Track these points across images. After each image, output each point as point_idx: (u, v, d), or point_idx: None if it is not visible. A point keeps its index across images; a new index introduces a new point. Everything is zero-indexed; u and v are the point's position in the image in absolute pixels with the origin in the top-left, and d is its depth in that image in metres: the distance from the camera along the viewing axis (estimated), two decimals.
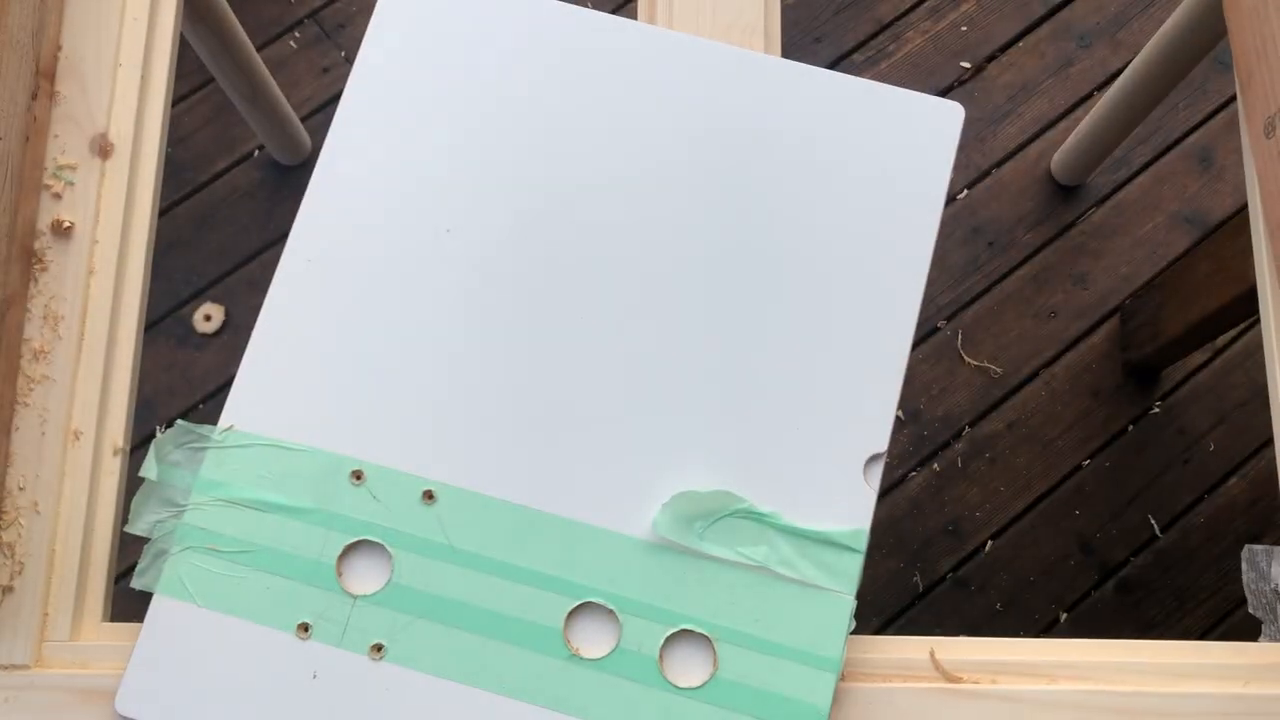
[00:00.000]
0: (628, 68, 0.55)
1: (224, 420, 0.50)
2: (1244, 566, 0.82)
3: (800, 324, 0.52)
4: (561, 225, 0.53)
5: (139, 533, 0.49)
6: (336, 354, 0.51)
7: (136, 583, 0.49)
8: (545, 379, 0.51)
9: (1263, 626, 0.80)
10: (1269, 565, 0.80)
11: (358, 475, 0.49)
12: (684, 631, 0.48)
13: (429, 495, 0.49)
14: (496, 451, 0.49)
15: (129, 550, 0.49)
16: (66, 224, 0.53)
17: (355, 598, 0.47)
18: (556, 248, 0.53)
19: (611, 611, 0.48)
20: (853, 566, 0.48)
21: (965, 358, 1.10)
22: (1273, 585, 0.79)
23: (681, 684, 0.47)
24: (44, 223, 0.53)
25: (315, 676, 0.47)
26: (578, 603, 0.48)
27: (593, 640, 0.47)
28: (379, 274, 0.52)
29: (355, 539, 0.48)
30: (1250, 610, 0.82)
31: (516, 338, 0.51)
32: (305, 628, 0.47)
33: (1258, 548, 0.82)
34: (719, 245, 0.52)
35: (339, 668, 0.47)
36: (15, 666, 0.48)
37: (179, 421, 0.50)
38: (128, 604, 0.52)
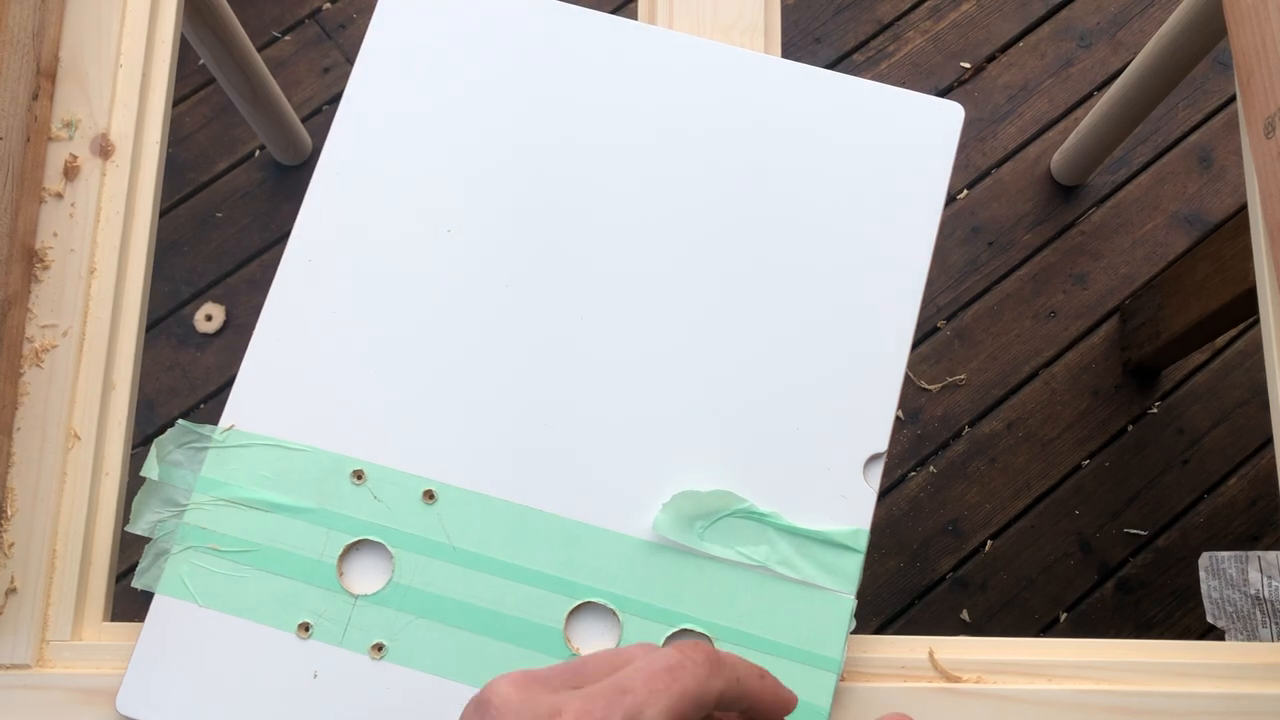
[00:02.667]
0: (628, 68, 0.55)
1: (225, 420, 0.50)
2: (1203, 575, 0.81)
3: (800, 324, 0.52)
4: (561, 226, 0.53)
5: (140, 532, 0.49)
6: (337, 353, 0.51)
7: (137, 582, 0.49)
8: (546, 379, 0.51)
9: (1226, 636, 0.80)
10: (1241, 571, 0.80)
11: (358, 475, 0.49)
12: (684, 631, 0.48)
13: (430, 495, 0.49)
14: (497, 451, 0.49)
15: (130, 550, 0.49)
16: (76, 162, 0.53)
17: (356, 597, 0.47)
18: (556, 248, 0.53)
19: (612, 611, 0.48)
20: (853, 566, 0.49)
21: (922, 384, 1.10)
22: (1251, 590, 0.79)
23: None
24: (52, 181, 0.53)
25: (316, 676, 0.47)
26: (578, 602, 0.48)
27: (593, 639, 0.48)
28: (380, 274, 0.52)
29: (356, 539, 0.48)
30: (1210, 620, 0.81)
31: (517, 337, 0.51)
32: (306, 627, 0.47)
33: (1222, 555, 0.82)
34: (719, 245, 0.53)
35: (340, 667, 0.47)
36: (16, 666, 0.48)
37: (180, 421, 0.50)
38: (129, 603, 0.52)
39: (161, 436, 0.50)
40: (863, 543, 0.49)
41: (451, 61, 0.55)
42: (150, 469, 0.50)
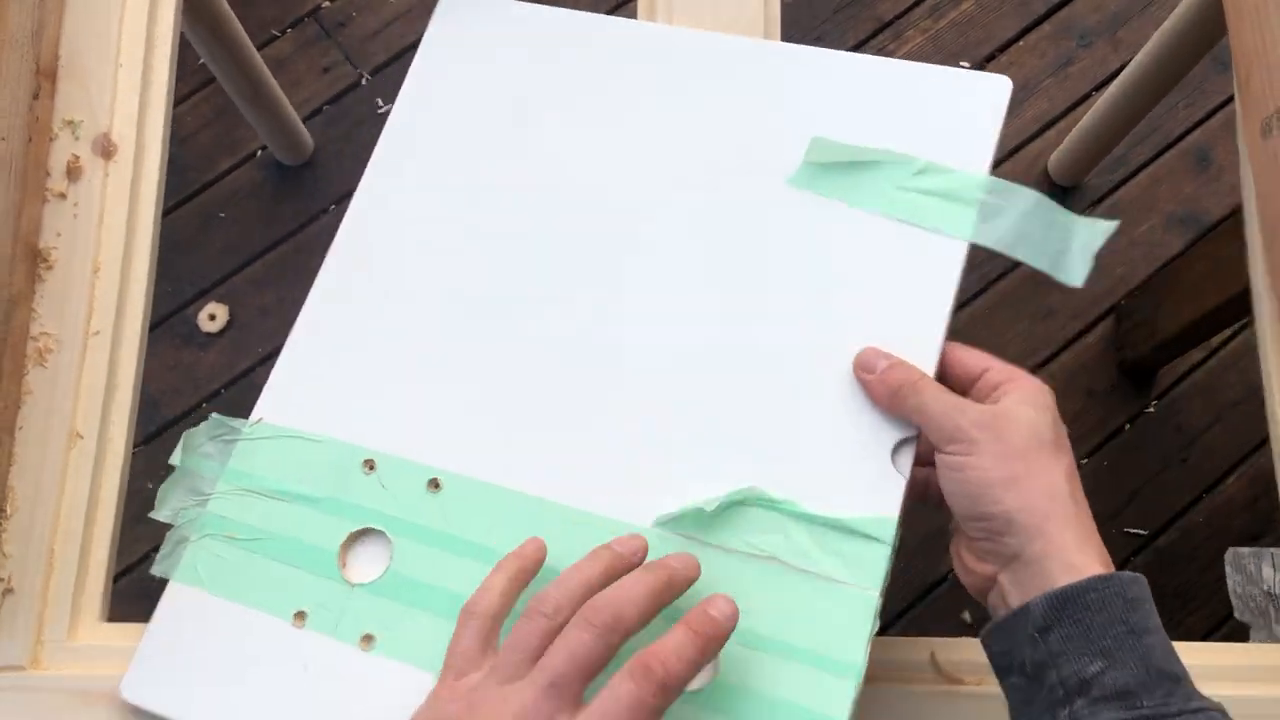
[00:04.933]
0: (664, 73, 0.55)
1: (255, 413, 0.51)
2: (1229, 570, 0.82)
3: (830, 302, 0.49)
4: (577, 220, 0.53)
5: (163, 519, 0.49)
6: (361, 349, 0.52)
7: (156, 569, 0.48)
8: (554, 370, 0.50)
9: (1251, 631, 0.80)
10: (1258, 568, 0.80)
11: (369, 464, 0.49)
12: None
13: (435, 484, 0.48)
14: (503, 441, 0.49)
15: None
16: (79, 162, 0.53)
17: (353, 586, 0.47)
18: (571, 243, 0.52)
19: None
20: (877, 558, 0.43)
21: None
22: (1265, 587, 0.79)
23: None
24: (54, 181, 0.53)
25: (305, 668, 0.46)
26: None
27: None
28: (399, 270, 0.53)
29: (360, 527, 0.48)
30: (1237, 616, 0.81)
31: (527, 329, 0.51)
32: (301, 616, 0.47)
33: (1244, 550, 0.82)
34: (752, 228, 0.51)
35: (327, 658, 0.46)
36: (12, 667, 0.47)
37: (213, 415, 0.50)
38: (128, 605, 0.52)
39: (193, 429, 0.50)
40: (889, 533, 0.44)
41: (489, 78, 0.56)
42: (178, 458, 0.50)
